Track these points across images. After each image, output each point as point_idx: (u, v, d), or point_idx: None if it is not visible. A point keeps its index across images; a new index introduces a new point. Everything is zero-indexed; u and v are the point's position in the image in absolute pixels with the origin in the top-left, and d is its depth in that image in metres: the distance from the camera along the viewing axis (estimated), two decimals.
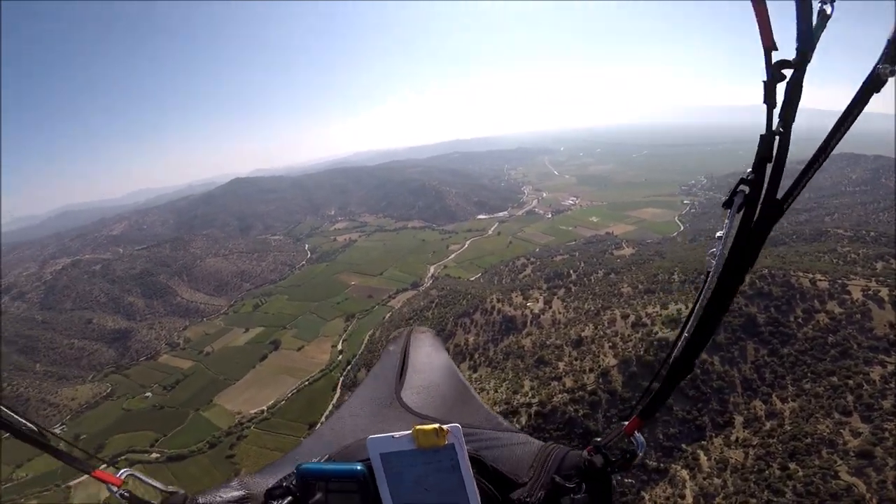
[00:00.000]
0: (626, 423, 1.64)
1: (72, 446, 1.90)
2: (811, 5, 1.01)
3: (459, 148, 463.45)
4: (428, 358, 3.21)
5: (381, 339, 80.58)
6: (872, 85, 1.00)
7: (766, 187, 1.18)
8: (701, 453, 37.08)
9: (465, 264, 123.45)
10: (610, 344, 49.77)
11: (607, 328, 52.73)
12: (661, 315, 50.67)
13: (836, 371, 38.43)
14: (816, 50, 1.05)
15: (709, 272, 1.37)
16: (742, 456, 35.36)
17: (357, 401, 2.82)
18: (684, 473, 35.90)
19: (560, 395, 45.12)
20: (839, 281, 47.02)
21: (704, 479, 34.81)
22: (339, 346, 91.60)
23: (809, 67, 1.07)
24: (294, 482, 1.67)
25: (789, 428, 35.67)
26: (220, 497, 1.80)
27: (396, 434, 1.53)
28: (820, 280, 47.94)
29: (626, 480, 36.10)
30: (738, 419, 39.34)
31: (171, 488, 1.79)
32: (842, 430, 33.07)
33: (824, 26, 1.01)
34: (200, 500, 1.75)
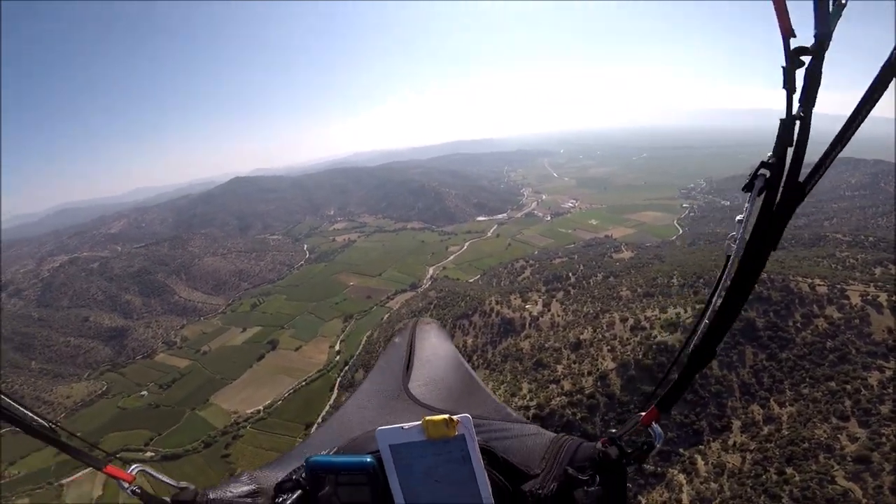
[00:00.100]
0: (643, 413, 1.56)
1: (84, 443, 1.81)
2: None
3: (461, 149, 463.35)
4: (434, 349, 3.17)
5: (380, 339, 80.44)
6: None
7: (788, 170, 1.17)
8: (698, 457, 37.01)
9: (464, 266, 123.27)
10: (608, 347, 49.73)
11: (606, 331, 52.70)
12: (659, 319, 50.64)
13: (834, 376, 38.46)
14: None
15: (728, 256, 1.35)
16: (739, 460, 35.31)
17: (364, 393, 2.79)
18: (681, 478, 35.81)
19: (558, 399, 45.07)
20: (838, 286, 47.09)
21: (701, 483, 34.73)
22: (337, 347, 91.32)
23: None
24: (304, 475, 1.66)
25: (787, 433, 35.66)
26: (231, 492, 1.75)
27: (406, 425, 1.51)
28: (819, 285, 47.99)
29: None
30: (736, 423, 39.30)
31: (181, 484, 1.72)
32: (839, 435, 33.11)
33: (840, 13, 1.02)
34: (211, 496, 1.69)
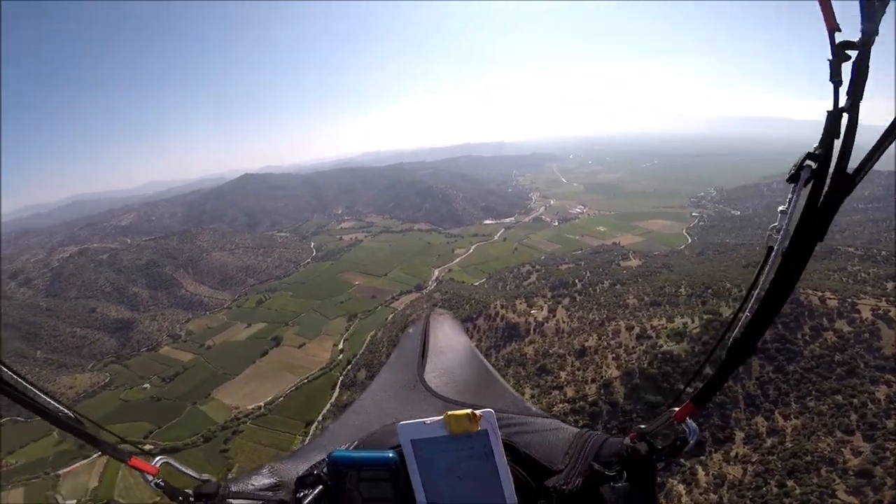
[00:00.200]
0: (677, 409, 1.50)
1: (112, 435, 1.86)
2: None
3: (470, 152, 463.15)
4: (448, 340, 3.15)
5: (383, 339, 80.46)
6: None
7: (836, 161, 1.15)
8: (699, 468, 36.59)
9: (470, 269, 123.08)
10: (613, 355, 49.41)
11: (611, 339, 52.40)
12: (666, 328, 50.26)
13: (841, 389, 37.98)
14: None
15: (771, 248, 1.30)
16: (740, 472, 34.92)
17: (379, 385, 2.79)
18: (681, 488, 35.42)
19: (561, 405, 44.83)
20: (849, 300, 46.51)
21: (701, 494, 34.36)
22: (341, 346, 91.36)
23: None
24: (325, 470, 1.66)
25: (790, 445, 35.25)
26: (252, 485, 1.76)
27: (428, 420, 1.49)
28: (829, 298, 47.42)
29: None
30: (739, 435, 38.86)
31: (204, 476, 1.73)
32: (843, 449, 32.73)
33: (885, 9, 1.03)
34: (233, 488, 1.70)
